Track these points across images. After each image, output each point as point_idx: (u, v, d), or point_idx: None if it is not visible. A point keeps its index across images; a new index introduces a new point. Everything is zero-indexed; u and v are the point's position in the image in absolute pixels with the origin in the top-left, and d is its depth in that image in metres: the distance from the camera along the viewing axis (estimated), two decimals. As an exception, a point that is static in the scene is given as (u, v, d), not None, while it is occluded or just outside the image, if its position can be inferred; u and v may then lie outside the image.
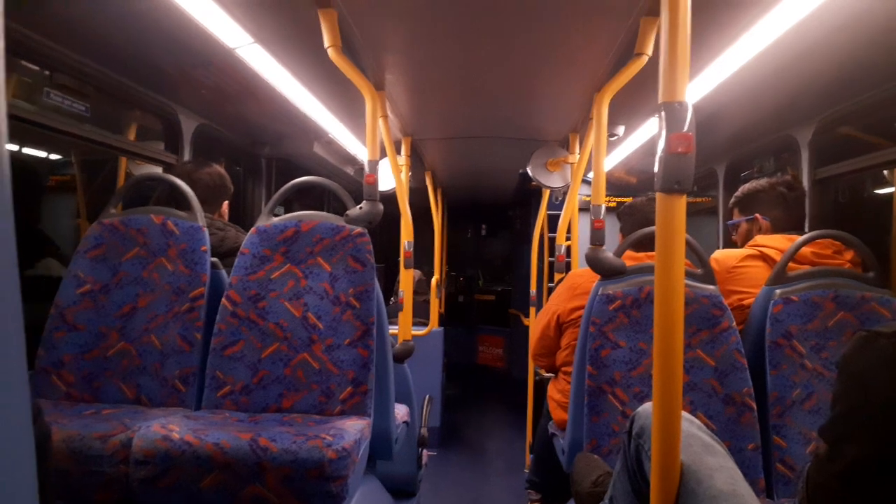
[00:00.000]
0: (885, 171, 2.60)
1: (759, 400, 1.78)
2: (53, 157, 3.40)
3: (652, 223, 1.96)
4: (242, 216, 3.69)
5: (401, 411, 2.27)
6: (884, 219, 2.50)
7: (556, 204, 4.31)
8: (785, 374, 1.78)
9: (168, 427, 1.49)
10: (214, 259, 1.97)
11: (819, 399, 1.75)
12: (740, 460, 1.56)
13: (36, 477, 0.43)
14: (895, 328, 0.87)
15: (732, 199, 2.24)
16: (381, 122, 2.48)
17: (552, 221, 4.30)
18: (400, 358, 2.46)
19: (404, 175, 3.32)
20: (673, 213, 1.01)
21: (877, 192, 2.81)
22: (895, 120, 2.23)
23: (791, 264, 1.89)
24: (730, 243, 3.26)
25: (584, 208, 3.74)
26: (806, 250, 1.92)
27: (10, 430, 0.41)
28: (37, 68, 2.10)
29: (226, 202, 2.40)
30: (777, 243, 1.99)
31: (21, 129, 2.01)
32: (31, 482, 0.43)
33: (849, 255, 1.97)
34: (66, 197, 3.22)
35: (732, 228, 2.26)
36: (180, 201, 2.03)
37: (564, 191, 3.58)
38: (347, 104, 2.82)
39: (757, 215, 2.13)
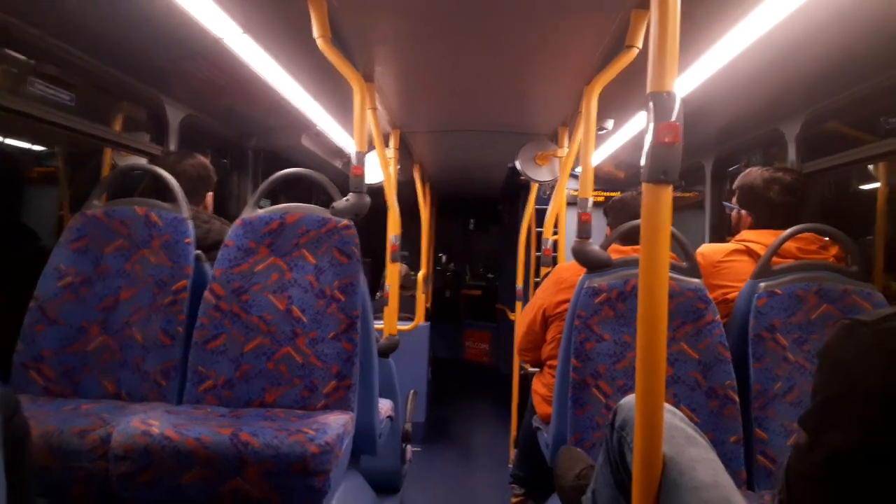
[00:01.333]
0: (870, 166, 2.61)
1: (742, 393, 1.79)
2: (37, 148, 3.36)
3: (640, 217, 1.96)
4: (228, 209, 3.67)
5: (385, 406, 2.26)
6: (869, 213, 2.52)
7: (545, 198, 4.31)
8: (768, 366, 1.79)
9: (148, 422, 1.47)
10: (198, 252, 1.95)
11: (801, 392, 1.76)
12: (722, 452, 1.57)
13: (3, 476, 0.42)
14: (877, 316, 0.87)
15: (735, 182, 2.23)
16: (369, 114, 2.46)
17: (540, 216, 4.30)
18: (385, 352, 2.45)
19: (392, 168, 3.31)
20: (659, 204, 1.01)
21: (862, 186, 2.82)
22: (881, 115, 2.24)
23: (776, 259, 1.89)
24: (717, 237, 3.29)
25: (571, 202, 3.74)
26: (791, 246, 1.93)
27: None
28: (22, 57, 2.07)
29: (210, 194, 2.38)
30: (762, 238, 1.99)
31: (4, 120, 1.98)
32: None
33: (833, 250, 1.97)
34: (50, 188, 3.18)
35: (728, 210, 2.27)
36: (165, 193, 2.01)
37: (553, 185, 3.58)
38: (336, 96, 2.79)
39: (743, 211, 2.14)
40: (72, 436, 1.47)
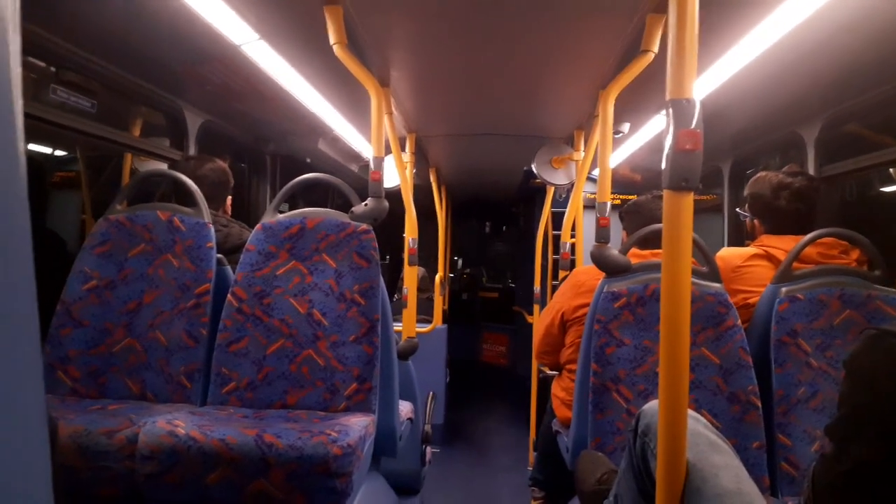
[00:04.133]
0: (892, 170, 2.59)
1: (764, 398, 1.77)
2: (59, 153, 3.41)
3: (657, 221, 1.96)
4: (247, 213, 3.70)
5: (405, 408, 2.27)
6: (891, 216, 2.49)
7: (560, 201, 4.31)
8: (790, 372, 1.77)
9: (173, 423, 1.49)
10: (220, 255, 1.97)
11: (824, 398, 1.75)
12: (745, 458, 1.56)
13: (51, 473, 0.43)
14: None
15: (746, 189, 2.21)
16: (385, 118, 2.48)
17: (556, 219, 4.30)
18: (404, 355, 2.46)
19: (409, 172, 3.33)
20: (680, 210, 1.01)
21: (883, 189, 2.80)
22: (902, 118, 2.22)
23: (796, 264, 1.88)
24: (735, 241, 3.26)
25: (588, 206, 3.74)
26: (812, 251, 1.91)
27: (26, 426, 0.41)
28: (43, 64, 2.10)
29: (229, 197, 2.40)
30: (782, 243, 1.97)
31: (27, 126, 2.02)
32: (46, 479, 0.43)
33: (855, 254, 1.95)
34: (72, 193, 3.23)
35: (742, 218, 2.25)
36: (185, 197, 2.04)
37: (569, 188, 3.57)
38: (352, 101, 2.82)
39: (756, 221, 2.13)
40: (99, 436, 1.49)
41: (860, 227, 1.93)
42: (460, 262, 8.44)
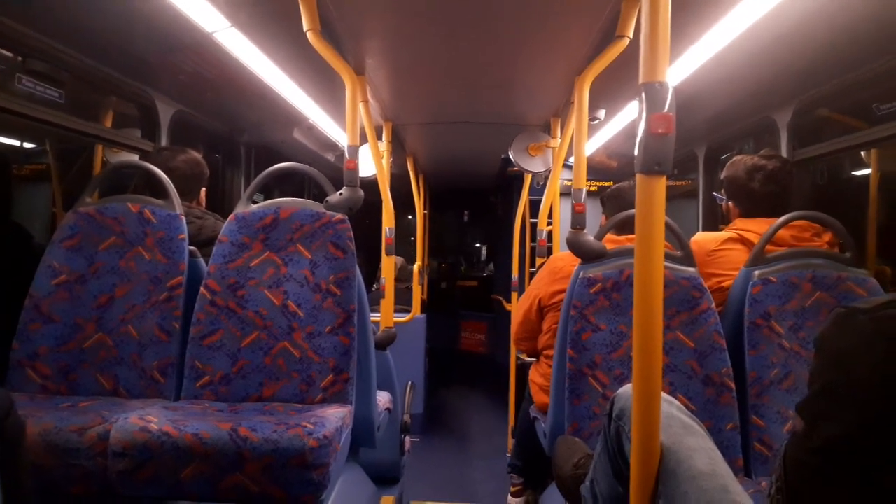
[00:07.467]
0: (863, 153, 2.62)
1: (738, 380, 1.79)
2: (28, 145, 3.34)
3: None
4: (221, 204, 3.65)
5: (383, 398, 2.26)
6: (861, 199, 2.53)
7: (538, 189, 4.31)
8: (763, 354, 1.79)
9: (146, 418, 1.47)
10: (192, 248, 1.94)
11: (796, 378, 1.77)
12: (719, 440, 1.58)
13: None
14: (874, 304, 0.87)
15: (722, 173, 2.23)
16: (361, 106, 2.45)
17: (534, 206, 4.30)
18: (382, 345, 2.45)
19: (385, 161, 3.30)
20: (653, 194, 1.01)
21: (854, 173, 2.83)
22: (872, 102, 2.25)
23: (770, 247, 1.90)
24: (709, 226, 3.30)
25: (565, 193, 3.75)
26: (785, 233, 1.93)
27: None
28: (9, 54, 2.05)
29: (203, 189, 2.36)
30: (756, 227, 1.99)
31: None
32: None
33: (827, 237, 1.98)
34: (42, 186, 3.17)
35: (718, 201, 2.27)
36: (157, 189, 2.00)
37: (546, 175, 3.58)
38: (327, 89, 2.78)
39: (730, 203, 2.15)
40: (70, 433, 1.47)
41: (831, 209, 1.95)
42: (484, 250, 8.42)
